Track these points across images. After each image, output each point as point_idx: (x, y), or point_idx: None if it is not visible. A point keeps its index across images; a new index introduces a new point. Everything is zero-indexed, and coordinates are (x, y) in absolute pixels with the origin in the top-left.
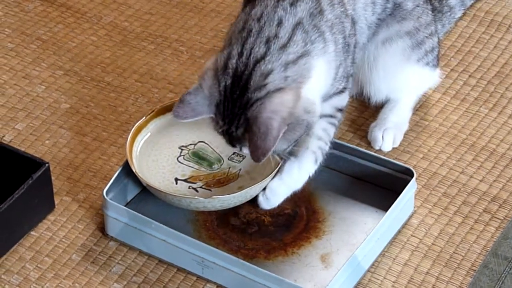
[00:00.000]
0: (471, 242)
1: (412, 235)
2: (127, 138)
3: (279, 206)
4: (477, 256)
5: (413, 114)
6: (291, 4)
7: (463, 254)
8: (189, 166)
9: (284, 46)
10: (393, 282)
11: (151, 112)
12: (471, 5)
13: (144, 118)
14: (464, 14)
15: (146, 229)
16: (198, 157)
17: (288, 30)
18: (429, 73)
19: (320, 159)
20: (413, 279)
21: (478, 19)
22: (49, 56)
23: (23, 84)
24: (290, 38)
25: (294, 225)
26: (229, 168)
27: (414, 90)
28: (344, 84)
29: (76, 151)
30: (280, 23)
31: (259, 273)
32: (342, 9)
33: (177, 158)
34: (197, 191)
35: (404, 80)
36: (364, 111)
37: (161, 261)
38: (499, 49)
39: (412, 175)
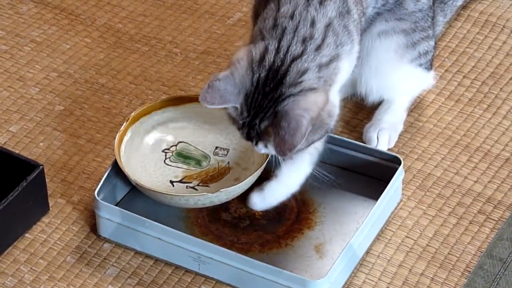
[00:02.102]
0: (466, 243)
1: (406, 236)
2: (114, 146)
3: None
4: (472, 257)
5: (408, 115)
6: (320, 3)
7: (458, 255)
8: (178, 167)
9: (319, 48)
10: (388, 283)
11: (128, 119)
12: None
13: (124, 124)
14: (464, 2)
15: (140, 228)
16: (184, 157)
17: (321, 31)
18: (422, 74)
19: (315, 160)
20: (407, 280)
21: (472, 20)
22: (43, 58)
23: (17, 86)
24: (323, 40)
25: (285, 217)
26: (218, 163)
27: (407, 91)
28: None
29: (70, 153)
30: (313, 23)
31: (257, 265)
32: (361, 8)
33: (164, 161)
34: (196, 189)
35: (397, 79)
36: (358, 112)
37: (156, 262)
38: (493, 49)
39: (399, 163)
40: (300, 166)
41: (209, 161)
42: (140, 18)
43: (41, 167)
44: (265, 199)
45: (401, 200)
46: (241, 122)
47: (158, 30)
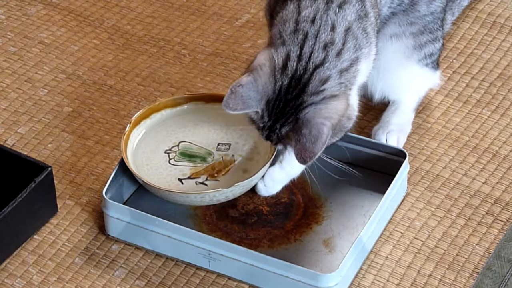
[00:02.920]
0: (474, 244)
1: (415, 238)
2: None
3: (275, 196)
4: (480, 258)
5: (416, 116)
6: (339, 7)
7: (466, 257)
8: (185, 166)
9: (339, 53)
10: (396, 284)
11: (129, 123)
12: None
13: (128, 126)
14: (470, 2)
15: (149, 226)
16: (188, 155)
17: (341, 36)
18: (428, 74)
19: None
20: (416, 281)
21: (480, 21)
22: (51, 59)
23: (26, 87)
24: (344, 44)
25: (293, 212)
26: (222, 157)
27: (413, 90)
28: None
29: (79, 154)
30: (333, 28)
31: (268, 261)
32: (376, 10)
33: (169, 162)
34: (205, 184)
35: (403, 79)
36: (366, 114)
37: (164, 263)
38: (501, 50)
39: (404, 156)
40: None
41: (213, 157)
42: (149, 20)
43: (49, 168)
44: (267, 186)
45: (407, 194)
46: (261, 125)
47: (167, 31)
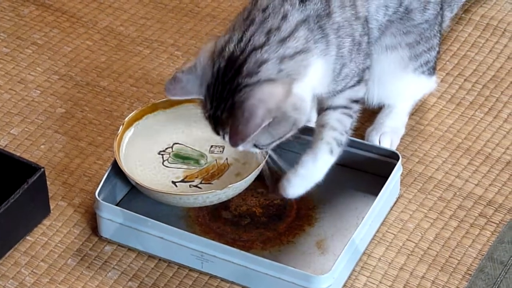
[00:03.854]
0: (467, 246)
1: (407, 239)
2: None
3: (268, 198)
4: (473, 260)
5: (409, 118)
6: (301, 1)
7: (458, 258)
8: (178, 168)
9: (283, 40)
10: (389, 286)
11: (122, 124)
12: None
13: (121, 127)
14: None
15: (142, 227)
16: (181, 157)
17: (291, 25)
18: (424, 80)
19: (336, 149)
20: (409, 283)
21: (473, 23)
22: (44, 60)
23: (19, 88)
24: (291, 33)
25: (286, 214)
26: (216, 160)
27: (409, 97)
28: (357, 78)
29: (72, 155)
30: (284, 17)
31: (260, 262)
32: (353, 12)
33: (162, 163)
34: (199, 188)
35: (399, 87)
36: (360, 115)
37: (157, 265)
38: (494, 53)
39: (397, 158)
40: (318, 156)
41: (206, 159)
42: (142, 21)
43: (42, 169)
44: (285, 189)
45: (399, 196)
46: (207, 114)
47: (160, 33)
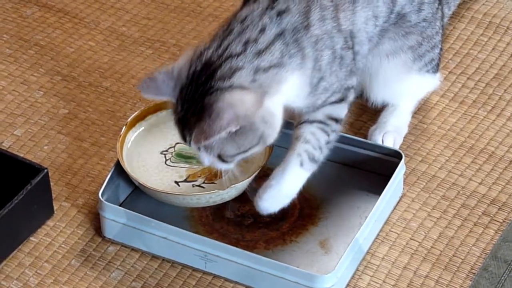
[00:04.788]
0: (471, 245)
1: (411, 239)
2: (116, 149)
3: None
4: (477, 259)
5: (412, 117)
6: (278, 15)
7: (462, 257)
8: (181, 167)
9: (260, 52)
10: (393, 285)
11: (125, 124)
12: None
13: (123, 128)
14: None
15: (145, 228)
16: (184, 157)
17: (268, 38)
18: (429, 78)
19: (308, 163)
20: (412, 282)
21: (476, 21)
22: (47, 61)
23: (21, 89)
24: (267, 47)
25: (289, 214)
26: None
27: (414, 96)
28: (340, 95)
29: (75, 156)
30: (262, 30)
31: (264, 262)
32: (335, 24)
33: (165, 163)
34: (202, 187)
35: (404, 88)
36: (362, 114)
37: (160, 265)
38: (497, 51)
39: (400, 157)
40: (287, 167)
41: None
42: (144, 21)
43: (45, 170)
44: (258, 205)
45: (403, 195)
46: (176, 118)
47: (162, 33)
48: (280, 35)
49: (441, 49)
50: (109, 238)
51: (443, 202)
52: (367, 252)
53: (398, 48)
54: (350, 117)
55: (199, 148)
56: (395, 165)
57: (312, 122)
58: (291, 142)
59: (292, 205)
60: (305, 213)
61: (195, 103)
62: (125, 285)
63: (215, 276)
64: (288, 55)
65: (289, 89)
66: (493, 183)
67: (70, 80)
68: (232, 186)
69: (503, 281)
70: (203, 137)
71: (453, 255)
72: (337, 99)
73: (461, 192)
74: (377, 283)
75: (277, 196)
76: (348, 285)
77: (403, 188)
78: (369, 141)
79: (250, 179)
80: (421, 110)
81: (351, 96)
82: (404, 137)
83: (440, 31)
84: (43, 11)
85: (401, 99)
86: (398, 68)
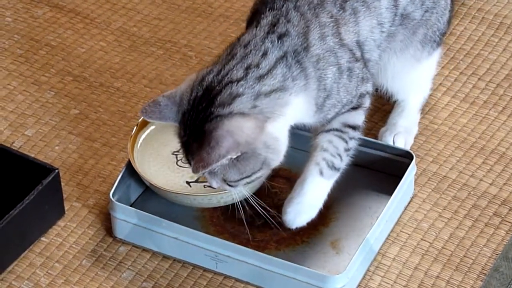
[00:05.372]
0: (482, 245)
1: (422, 239)
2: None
3: (282, 197)
4: (488, 259)
5: (423, 117)
6: (279, 38)
7: (473, 258)
8: None
9: (261, 77)
10: (404, 286)
11: (136, 125)
12: None
13: (134, 128)
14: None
15: (156, 228)
16: None
17: (270, 63)
18: (434, 57)
19: (328, 171)
20: (423, 283)
21: (487, 22)
22: (58, 62)
23: (33, 90)
24: (269, 71)
25: None
26: None
27: (421, 87)
28: (353, 105)
29: (86, 156)
30: (264, 55)
31: (275, 262)
32: (337, 40)
33: (176, 163)
34: (213, 187)
35: (413, 80)
36: (373, 115)
37: (171, 265)
38: (508, 51)
39: (411, 158)
40: (306, 177)
41: None
42: (155, 22)
43: (56, 170)
44: (293, 220)
45: (414, 195)
46: (181, 142)
47: (173, 33)
48: (281, 58)
49: (450, 14)
50: (120, 238)
51: (454, 202)
52: (378, 253)
53: (408, 44)
54: None
55: (203, 173)
56: (406, 166)
57: (328, 130)
58: (310, 153)
59: None
60: (317, 213)
61: (196, 129)
62: (136, 285)
63: (226, 276)
64: (291, 78)
65: (294, 112)
66: (504, 184)
67: (81, 81)
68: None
69: None
70: (202, 166)
71: (464, 256)
72: (349, 109)
73: (472, 192)
74: (388, 283)
75: (301, 208)
76: (359, 285)
77: (414, 189)
78: (380, 142)
79: (262, 179)
80: (432, 110)
81: (367, 102)
82: (415, 137)
83: (448, 8)
84: (54, 12)
85: (411, 92)
86: (407, 61)
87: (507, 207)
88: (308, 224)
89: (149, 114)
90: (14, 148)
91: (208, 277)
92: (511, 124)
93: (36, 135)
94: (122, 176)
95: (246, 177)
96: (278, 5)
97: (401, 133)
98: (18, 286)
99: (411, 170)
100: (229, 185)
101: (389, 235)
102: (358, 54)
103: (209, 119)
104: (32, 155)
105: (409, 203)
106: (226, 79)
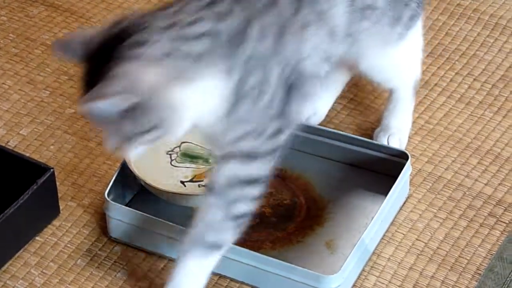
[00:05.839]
0: (477, 246)
1: (417, 239)
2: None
3: (277, 198)
4: (483, 260)
5: (418, 117)
6: (217, 16)
7: (468, 258)
8: (187, 167)
9: (185, 38)
10: (399, 286)
11: None
12: None
13: None
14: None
15: (151, 228)
16: (190, 156)
17: (199, 30)
18: (413, 35)
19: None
20: (418, 283)
21: (482, 23)
22: (53, 61)
23: (28, 89)
24: (197, 37)
25: (295, 214)
26: None
27: (407, 71)
28: (257, 146)
29: (81, 156)
30: (195, 22)
31: (270, 262)
32: (275, 47)
33: (171, 163)
34: None
35: (394, 66)
36: (370, 115)
37: (166, 265)
38: (503, 52)
39: (407, 158)
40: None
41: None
42: None
43: (51, 170)
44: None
45: (409, 195)
46: (81, 82)
47: None
48: (211, 33)
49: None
50: (115, 238)
51: (449, 203)
52: (373, 253)
53: (376, 34)
54: (356, 118)
55: (101, 122)
56: (402, 166)
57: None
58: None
59: (299, 205)
60: (312, 213)
61: (99, 68)
62: (131, 285)
63: (221, 276)
64: (217, 55)
65: (205, 91)
66: (499, 184)
67: (77, 80)
68: None
69: (508, 282)
70: (87, 99)
71: (459, 256)
72: (249, 150)
73: (467, 193)
74: (383, 283)
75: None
76: (354, 285)
77: (409, 189)
78: (375, 142)
79: None
80: (427, 110)
81: (271, 159)
82: (410, 138)
83: None
84: (50, 11)
85: (396, 80)
86: (378, 47)
87: (502, 207)
88: (304, 224)
89: (58, 47)
90: (9, 147)
91: None
92: (507, 124)
93: (31, 134)
94: (117, 176)
95: (142, 132)
96: None
97: (395, 134)
98: (13, 286)
99: (406, 170)
100: (125, 143)
101: (384, 235)
102: (289, 75)
103: (114, 59)
104: (27, 155)
105: (404, 203)
106: (145, 24)
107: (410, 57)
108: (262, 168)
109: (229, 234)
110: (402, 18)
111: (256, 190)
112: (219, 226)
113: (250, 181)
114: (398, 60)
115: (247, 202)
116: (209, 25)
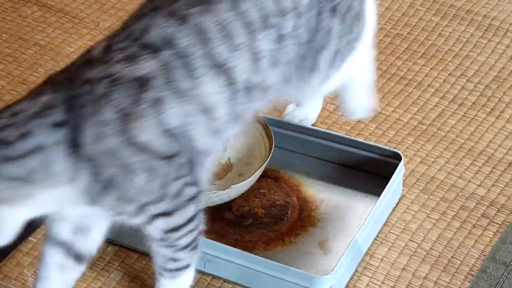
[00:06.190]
0: (469, 246)
1: (410, 240)
2: None
3: (270, 198)
4: (475, 260)
5: (411, 118)
6: (55, 124)
7: (461, 259)
8: None
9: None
10: (392, 286)
11: None
12: None
13: None
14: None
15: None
16: None
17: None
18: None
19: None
20: (411, 283)
21: (475, 24)
22: (46, 61)
23: (21, 89)
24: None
25: (288, 215)
26: (219, 160)
27: (363, 69)
28: (167, 207)
29: None
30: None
31: (263, 263)
32: (123, 138)
33: None
34: None
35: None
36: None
37: None
38: (496, 53)
39: (400, 159)
40: None
41: None
42: None
43: None
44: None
45: (402, 196)
46: None
47: None
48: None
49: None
50: (108, 239)
51: (442, 203)
52: (366, 253)
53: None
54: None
55: None
56: (395, 167)
57: (152, 240)
58: None
59: (292, 206)
60: (305, 214)
61: None
62: (124, 285)
63: (214, 277)
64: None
65: (47, 203)
66: (492, 185)
67: None
68: (231, 186)
69: (501, 283)
70: None
71: (452, 257)
72: (161, 211)
73: (460, 194)
74: (376, 284)
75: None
76: (347, 286)
77: (402, 190)
78: (369, 142)
79: (250, 180)
80: (421, 111)
81: (193, 205)
82: (403, 138)
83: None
84: (43, 11)
85: (356, 79)
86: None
87: (495, 208)
88: (297, 225)
89: None
90: None
91: (196, 278)
92: (499, 125)
93: None
94: None
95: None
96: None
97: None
98: (6, 286)
99: (399, 171)
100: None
101: (377, 236)
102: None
103: None
104: None
105: (397, 204)
106: None
107: (360, 63)
108: (187, 213)
109: (188, 259)
110: (319, 66)
111: (193, 225)
112: (174, 257)
113: (183, 225)
114: (347, 74)
115: (189, 235)
116: (48, 138)
